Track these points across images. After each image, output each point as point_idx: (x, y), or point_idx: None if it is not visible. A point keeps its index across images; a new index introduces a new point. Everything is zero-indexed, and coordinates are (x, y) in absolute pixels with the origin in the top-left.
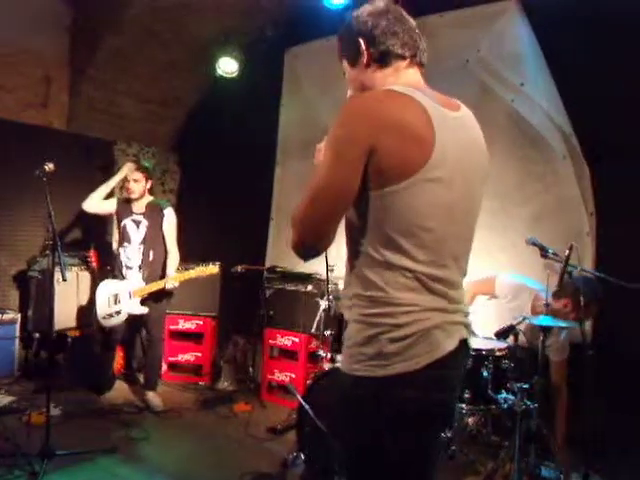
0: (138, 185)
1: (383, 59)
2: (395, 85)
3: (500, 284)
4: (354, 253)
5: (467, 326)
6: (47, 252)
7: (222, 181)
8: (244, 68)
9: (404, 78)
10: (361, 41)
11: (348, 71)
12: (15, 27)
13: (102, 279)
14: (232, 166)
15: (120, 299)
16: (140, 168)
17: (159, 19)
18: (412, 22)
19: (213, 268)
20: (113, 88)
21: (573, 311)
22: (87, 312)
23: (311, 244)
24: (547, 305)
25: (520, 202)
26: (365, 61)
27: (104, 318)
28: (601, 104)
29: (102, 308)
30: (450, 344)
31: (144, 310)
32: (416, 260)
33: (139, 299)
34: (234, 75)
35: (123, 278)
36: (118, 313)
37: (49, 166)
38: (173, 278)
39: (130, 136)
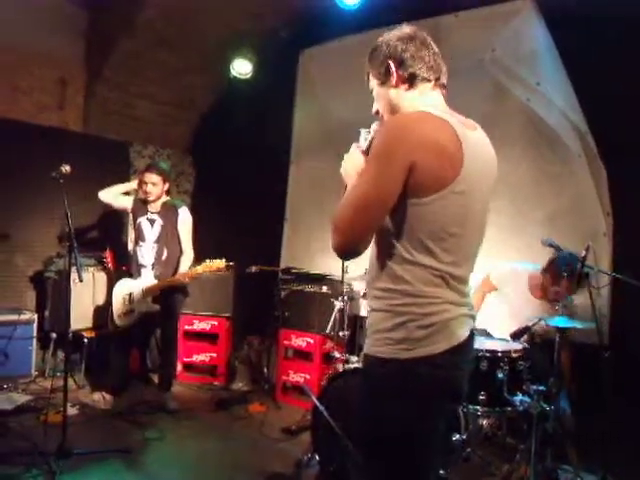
0: (156, 188)
1: (411, 81)
2: (427, 107)
3: (495, 278)
4: (386, 253)
5: (473, 318)
6: (64, 253)
7: (236, 182)
8: (258, 69)
9: (430, 100)
10: (391, 63)
11: (376, 89)
12: (31, 30)
13: (118, 279)
14: (246, 167)
15: (134, 298)
16: (158, 170)
17: (173, 22)
18: (435, 48)
19: (220, 263)
20: (128, 90)
21: (567, 286)
22: (103, 312)
23: (355, 247)
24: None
25: (536, 202)
26: (394, 82)
27: (119, 317)
28: (617, 103)
29: (117, 307)
30: (463, 334)
31: (155, 307)
32: (442, 261)
33: (151, 297)
34: (248, 76)
35: (139, 276)
36: (131, 312)
37: (65, 168)
38: (181, 275)
39: (145, 138)
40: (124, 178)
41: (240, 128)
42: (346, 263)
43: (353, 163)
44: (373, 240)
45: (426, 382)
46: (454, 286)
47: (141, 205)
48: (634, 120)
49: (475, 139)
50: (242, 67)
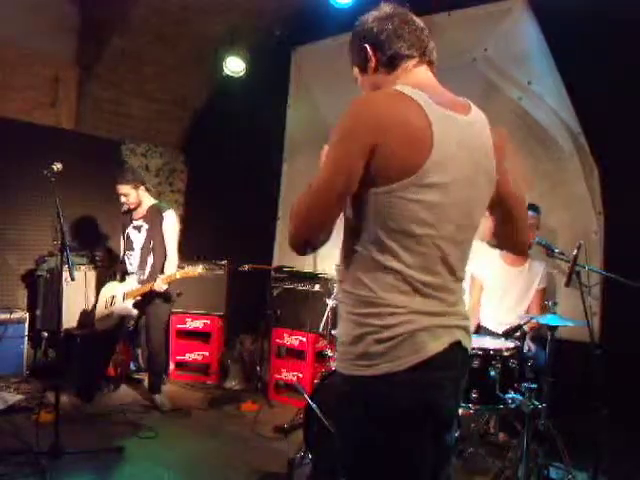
0: (130, 197)
1: (391, 63)
2: (401, 85)
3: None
4: (348, 251)
5: (465, 329)
6: (55, 251)
7: (229, 180)
8: (251, 67)
9: (413, 77)
10: (368, 47)
11: (359, 78)
12: (24, 28)
13: (105, 281)
14: (239, 165)
15: (115, 301)
16: (124, 180)
17: (166, 19)
18: (420, 23)
19: (195, 269)
20: (121, 88)
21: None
22: (88, 312)
23: (306, 238)
24: None
25: (527, 201)
26: (373, 66)
27: (98, 320)
28: (609, 102)
29: (99, 310)
30: (436, 347)
31: (134, 312)
32: (405, 263)
33: (131, 301)
34: (241, 74)
35: (123, 281)
36: (110, 315)
37: (57, 166)
38: (161, 280)
39: (138, 136)
40: (116, 176)
41: (233, 126)
42: (339, 262)
43: None
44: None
45: (388, 407)
46: (428, 293)
47: (126, 217)
48: (626, 119)
49: (462, 122)
50: (235, 65)
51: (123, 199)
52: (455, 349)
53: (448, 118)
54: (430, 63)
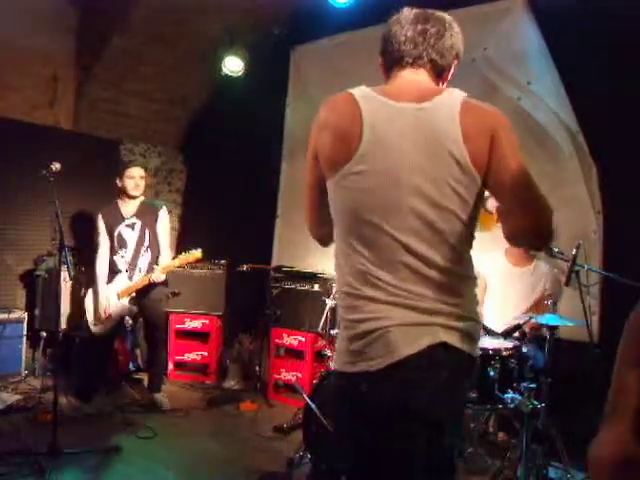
0: (143, 181)
1: (390, 69)
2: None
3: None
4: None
5: (451, 328)
6: (54, 251)
7: (228, 180)
8: (250, 67)
9: (393, 82)
10: (380, 58)
11: None
12: (22, 28)
13: (88, 285)
14: (238, 165)
15: (110, 303)
16: (141, 164)
17: (164, 19)
18: (419, 27)
19: (196, 254)
20: (120, 88)
21: None
22: (76, 316)
23: (310, 233)
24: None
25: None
26: (384, 74)
27: (95, 324)
28: (608, 102)
29: (92, 315)
30: (410, 348)
31: (134, 309)
32: (362, 255)
33: (126, 298)
34: (240, 74)
35: (110, 283)
36: (108, 318)
37: (55, 166)
38: (159, 270)
39: (136, 136)
40: (114, 176)
41: (232, 125)
42: None
43: None
44: None
45: (366, 405)
46: (384, 289)
47: (113, 214)
48: (625, 119)
49: (409, 110)
50: (234, 64)
51: (139, 180)
52: (435, 350)
53: (391, 109)
54: (412, 65)
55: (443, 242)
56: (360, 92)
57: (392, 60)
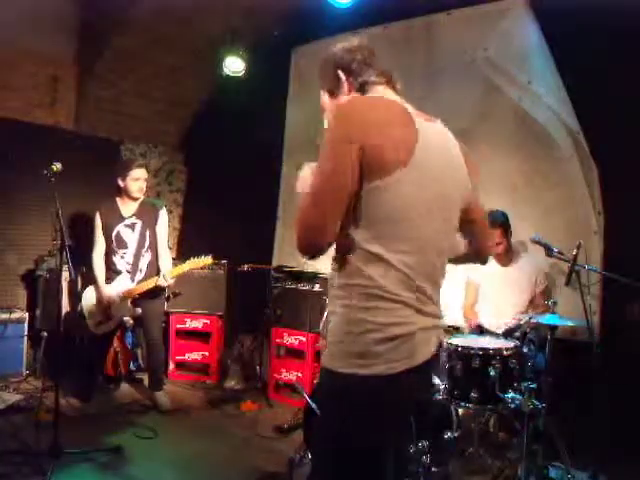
0: (145, 184)
1: (362, 88)
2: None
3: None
4: (344, 246)
5: (442, 327)
6: (55, 251)
7: (229, 180)
8: (250, 67)
9: (383, 95)
10: (340, 73)
11: (327, 103)
12: (23, 28)
13: (86, 285)
14: (239, 165)
15: (111, 304)
16: (144, 166)
17: (165, 19)
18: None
19: (207, 259)
20: (120, 88)
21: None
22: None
23: (315, 242)
24: None
25: (527, 201)
26: (347, 90)
27: (96, 325)
28: (609, 102)
29: (92, 315)
30: (428, 352)
31: (138, 310)
32: (398, 252)
33: (129, 300)
34: (240, 74)
35: (110, 282)
36: (109, 319)
37: (56, 166)
38: (168, 273)
39: (137, 136)
40: (115, 176)
41: (232, 126)
42: None
43: (307, 182)
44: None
45: (379, 404)
46: (420, 288)
47: (112, 213)
48: (625, 119)
49: (433, 130)
50: (234, 65)
51: (140, 184)
52: (437, 351)
53: (423, 123)
54: (394, 88)
55: (447, 252)
56: (400, 100)
57: (369, 82)
